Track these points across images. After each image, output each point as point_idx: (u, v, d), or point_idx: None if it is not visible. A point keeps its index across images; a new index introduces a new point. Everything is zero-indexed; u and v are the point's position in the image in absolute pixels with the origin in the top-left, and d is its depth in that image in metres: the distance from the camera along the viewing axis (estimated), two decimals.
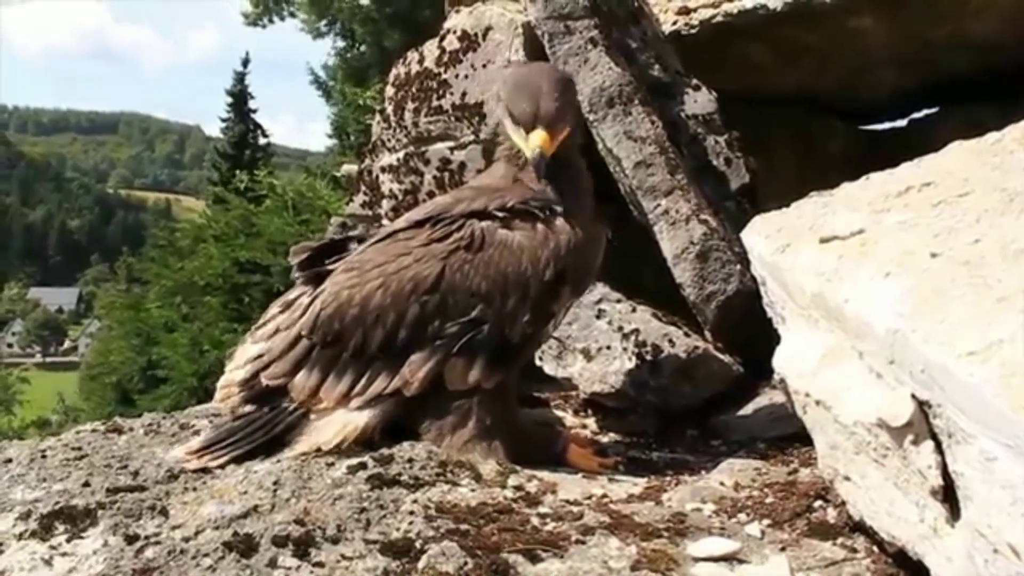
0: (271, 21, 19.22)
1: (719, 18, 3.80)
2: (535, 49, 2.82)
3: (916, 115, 4.76)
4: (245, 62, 23.91)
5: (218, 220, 9.37)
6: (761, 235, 2.03)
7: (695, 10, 3.89)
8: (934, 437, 1.13)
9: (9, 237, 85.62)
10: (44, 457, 1.88)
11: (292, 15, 19.11)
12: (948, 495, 1.12)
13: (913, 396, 1.14)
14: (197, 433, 2.10)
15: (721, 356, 2.29)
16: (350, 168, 5.68)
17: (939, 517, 1.13)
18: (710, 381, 2.25)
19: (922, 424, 1.13)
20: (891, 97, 4.58)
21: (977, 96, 4.11)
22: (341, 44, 19.27)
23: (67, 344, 61.48)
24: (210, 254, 8.66)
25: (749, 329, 2.33)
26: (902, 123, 4.82)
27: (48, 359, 58.53)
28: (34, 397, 32.22)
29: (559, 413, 2.41)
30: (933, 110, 4.60)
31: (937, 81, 4.22)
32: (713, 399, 2.27)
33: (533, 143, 1.85)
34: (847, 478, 1.34)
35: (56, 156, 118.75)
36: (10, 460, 1.89)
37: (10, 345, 56.73)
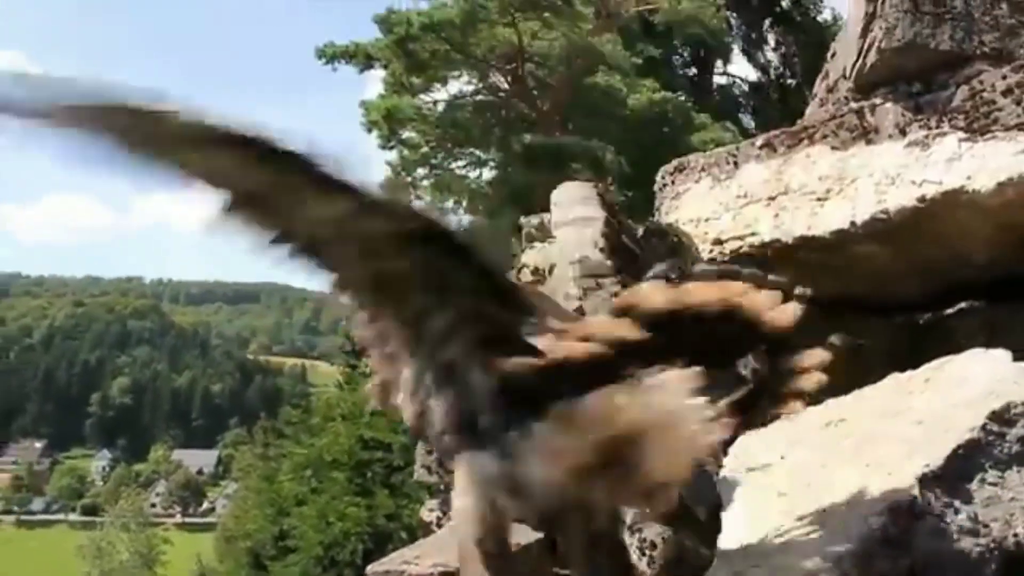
0: None
1: (745, 248, 4.51)
2: None
3: (947, 311, 5.23)
4: None
5: (346, 400, 10.44)
6: (732, 455, 2.71)
7: (726, 241, 4.60)
8: None
9: (158, 401, 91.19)
10: None
11: (419, 198, 20.99)
12: None
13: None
14: None
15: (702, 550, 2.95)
16: None
17: None
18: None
19: None
20: (921, 298, 5.08)
21: (993, 299, 4.60)
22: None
23: (205, 505, 63.76)
24: (337, 431, 9.65)
25: None
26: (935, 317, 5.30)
27: (187, 519, 60.80)
28: (173, 556, 33.79)
29: None
30: (959, 308, 5.07)
31: (955, 288, 4.73)
32: None
33: None
34: None
35: (203, 325, 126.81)
36: None
37: (153, 505, 59.27)
